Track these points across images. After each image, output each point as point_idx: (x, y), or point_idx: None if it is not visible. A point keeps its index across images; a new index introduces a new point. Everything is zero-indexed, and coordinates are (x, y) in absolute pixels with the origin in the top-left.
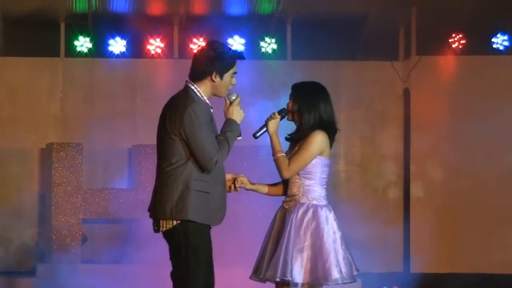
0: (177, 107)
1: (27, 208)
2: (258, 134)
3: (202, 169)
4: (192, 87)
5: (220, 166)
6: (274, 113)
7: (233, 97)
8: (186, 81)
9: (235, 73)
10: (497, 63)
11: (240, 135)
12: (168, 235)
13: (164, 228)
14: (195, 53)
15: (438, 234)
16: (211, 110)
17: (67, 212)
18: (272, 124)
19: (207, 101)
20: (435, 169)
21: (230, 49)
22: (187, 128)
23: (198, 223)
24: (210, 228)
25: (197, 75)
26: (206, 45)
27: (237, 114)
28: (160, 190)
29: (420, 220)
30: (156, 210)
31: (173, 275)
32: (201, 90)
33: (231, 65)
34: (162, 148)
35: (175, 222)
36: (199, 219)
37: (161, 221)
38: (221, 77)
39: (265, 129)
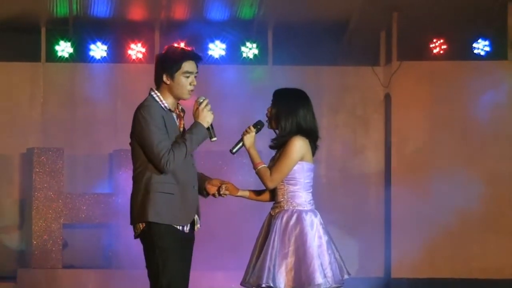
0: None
1: (7, 213)
2: (234, 150)
3: (158, 170)
4: (152, 93)
5: (187, 167)
6: (249, 127)
7: (201, 100)
8: (150, 88)
9: (188, 72)
10: (478, 69)
11: (214, 136)
12: (141, 240)
13: (136, 234)
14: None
15: (419, 240)
16: (173, 114)
17: (48, 217)
18: (248, 139)
19: (166, 105)
20: (416, 174)
21: (178, 49)
22: (137, 131)
23: (163, 225)
24: (184, 231)
25: (155, 80)
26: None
27: (202, 116)
28: (131, 197)
29: (401, 225)
30: (130, 217)
31: (149, 279)
32: (161, 95)
33: (178, 65)
34: (131, 156)
35: (141, 226)
36: (161, 220)
37: (133, 227)
38: (172, 78)
39: (241, 144)
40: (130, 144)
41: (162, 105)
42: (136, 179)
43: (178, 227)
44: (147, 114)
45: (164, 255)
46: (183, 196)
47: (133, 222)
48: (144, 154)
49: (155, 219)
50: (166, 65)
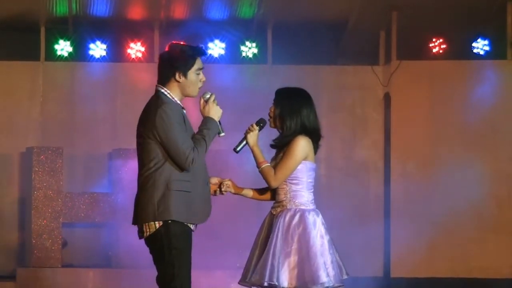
0: (149, 111)
1: (7, 212)
2: (238, 148)
3: (180, 168)
4: (162, 90)
5: (201, 164)
6: (252, 125)
7: (208, 95)
8: (156, 85)
9: (199, 69)
10: (477, 68)
11: (222, 132)
12: (151, 240)
13: (148, 233)
14: (159, 57)
15: (418, 239)
16: (184, 111)
17: (47, 216)
18: (251, 137)
19: (179, 102)
20: (415, 174)
21: (188, 46)
22: (160, 129)
23: (181, 225)
24: (193, 230)
25: (163, 79)
26: (167, 48)
27: (213, 111)
28: (140, 195)
29: (400, 224)
30: (139, 216)
31: (158, 280)
32: (171, 93)
33: (192, 62)
34: (140, 154)
35: (158, 225)
36: (182, 219)
37: (144, 226)
38: (185, 76)
39: (245, 142)
40: (140, 141)
41: (176, 102)
42: (150, 176)
43: (191, 226)
44: (170, 112)
45: (180, 256)
46: (199, 193)
47: (144, 221)
48: (165, 152)
49: (178, 218)
50: (179, 63)
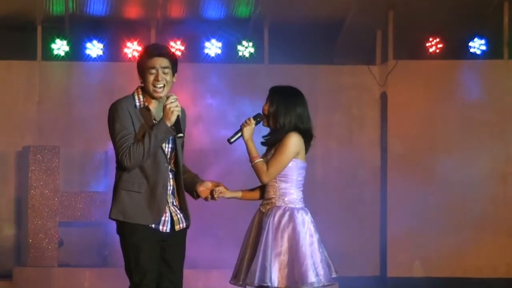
0: None
1: (3, 211)
2: (232, 140)
3: (122, 167)
4: (135, 90)
5: (155, 165)
6: (249, 119)
7: (169, 96)
8: None
9: (151, 68)
10: (474, 68)
11: (180, 133)
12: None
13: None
14: None
15: (415, 238)
16: (152, 111)
17: (44, 215)
18: (247, 130)
19: (141, 102)
20: (411, 173)
21: (143, 48)
22: (108, 129)
23: (127, 222)
24: (160, 228)
25: None
26: None
27: (165, 113)
28: None
29: (396, 224)
30: None
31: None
32: (141, 94)
33: (142, 63)
34: None
35: (116, 222)
36: (123, 218)
37: None
38: (141, 77)
39: (239, 134)
40: None
41: (137, 102)
42: (115, 175)
43: (151, 225)
44: (114, 111)
45: (135, 251)
46: (152, 195)
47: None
48: None
49: (117, 217)
50: (137, 66)
